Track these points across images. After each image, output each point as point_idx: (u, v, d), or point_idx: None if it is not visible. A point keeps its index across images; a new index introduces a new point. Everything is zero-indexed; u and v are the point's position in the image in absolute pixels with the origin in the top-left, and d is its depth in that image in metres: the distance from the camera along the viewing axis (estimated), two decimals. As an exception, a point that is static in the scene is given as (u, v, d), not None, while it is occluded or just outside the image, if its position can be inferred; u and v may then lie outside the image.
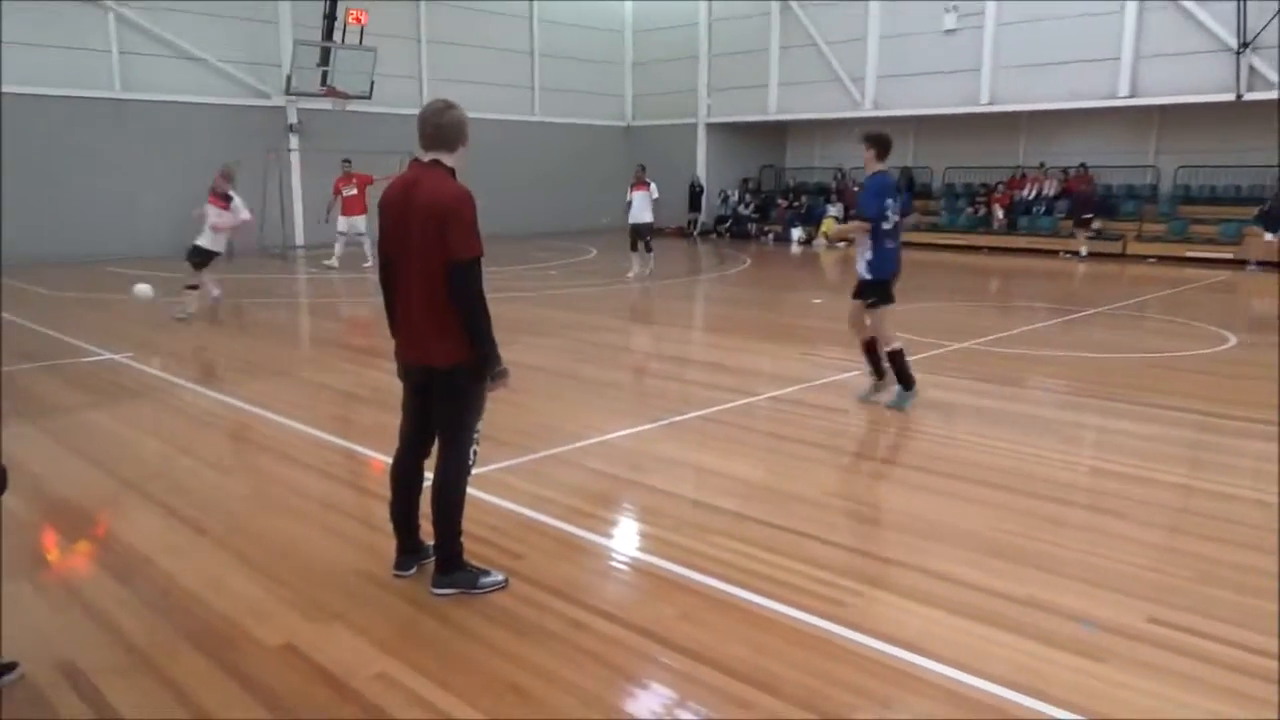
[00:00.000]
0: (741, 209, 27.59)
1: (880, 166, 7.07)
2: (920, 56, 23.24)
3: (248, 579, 4.17)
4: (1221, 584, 4.17)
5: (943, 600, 3.97)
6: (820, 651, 3.54)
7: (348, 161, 17.89)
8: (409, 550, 4.20)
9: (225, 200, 11.27)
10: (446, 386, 3.92)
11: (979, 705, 3.20)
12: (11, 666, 3.31)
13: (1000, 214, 23.38)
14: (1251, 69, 18.88)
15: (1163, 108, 21.28)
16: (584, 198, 27.05)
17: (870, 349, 7.43)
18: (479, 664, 3.45)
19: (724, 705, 3.20)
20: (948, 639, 3.63)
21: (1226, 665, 3.44)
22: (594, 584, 4.20)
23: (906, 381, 7.28)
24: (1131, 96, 20.42)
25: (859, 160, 7.52)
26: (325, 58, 20.60)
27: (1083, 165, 22.55)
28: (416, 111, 3.99)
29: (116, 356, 9.19)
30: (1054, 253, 21.43)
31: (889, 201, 7.04)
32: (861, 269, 7.23)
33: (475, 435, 4.04)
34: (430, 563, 4.12)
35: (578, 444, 6.31)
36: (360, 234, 17.33)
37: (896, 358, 7.24)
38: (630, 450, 6.32)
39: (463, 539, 4.06)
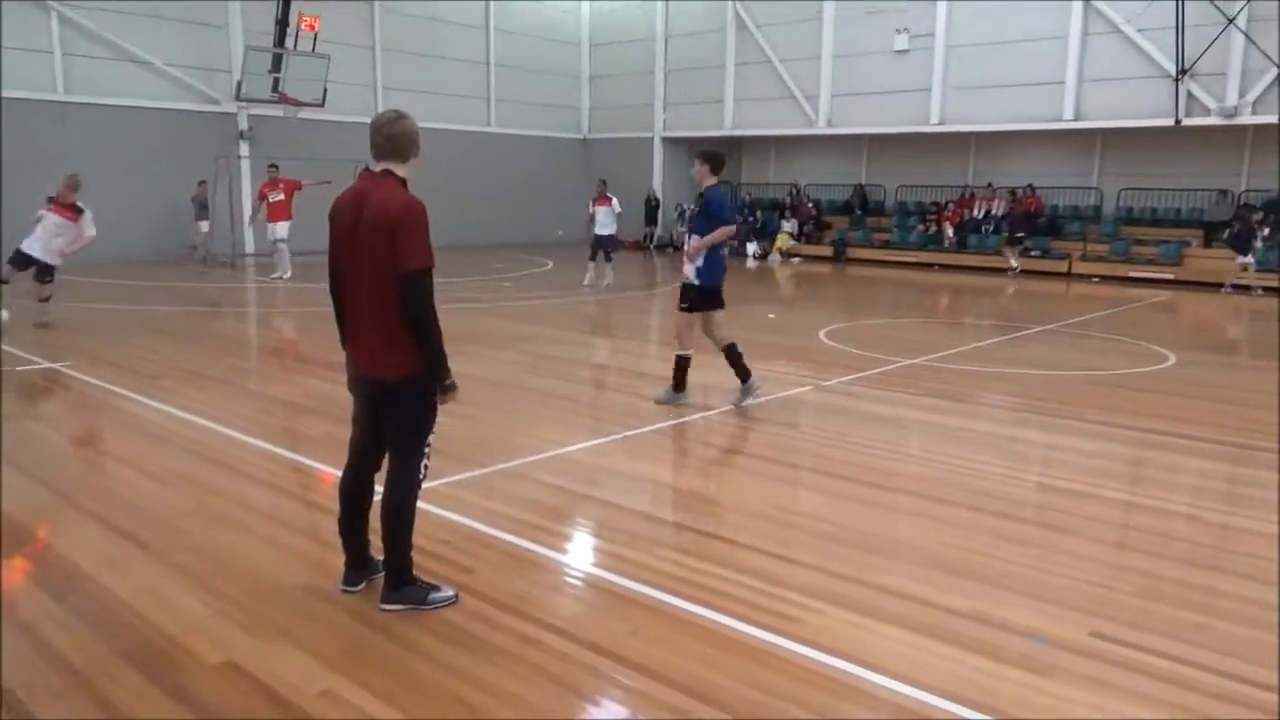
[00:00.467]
0: (696, 223, 27.69)
1: (713, 180, 7.51)
2: (873, 76, 23.66)
3: (189, 594, 4.07)
4: (1163, 599, 4.27)
5: (890, 615, 4.00)
6: (768, 666, 3.55)
7: (274, 167, 17.55)
8: (357, 565, 4.13)
9: (75, 212, 10.59)
10: (397, 399, 3.87)
11: (927, 720, 3.23)
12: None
13: (950, 232, 23.81)
14: (1190, 95, 19.50)
15: (1105, 131, 21.92)
16: (540, 210, 27.02)
17: (730, 353, 7.70)
18: (427, 681, 3.40)
19: (675, 722, 3.19)
20: (895, 653, 3.66)
21: (1168, 679, 3.51)
22: (545, 599, 4.16)
23: (679, 384, 7.74)
24: (1076, 120, 20.99)
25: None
26: (277, 64, 20.35)
27: (1030, 186, 23.10)
28: (369, 120, 3.95)
29: (55, 365, 8.94)
30: (1002, 271, 21.86)
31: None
32: (691, 275, 7.54)
33: (426, 449, 3.99)
34: (379, 578, 4.06)
35: (530, 458, 6.27)
36: (281, 240, 16.76)
37: (682, 362, 7.65)
38: (583, 464, 6.29)
39: (413, 554, 4.00)
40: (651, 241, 27.85)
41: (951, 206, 24.57)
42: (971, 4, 22.01)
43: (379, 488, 4.06)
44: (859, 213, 26.37)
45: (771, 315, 14.41)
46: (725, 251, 7.59)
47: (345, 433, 4.18)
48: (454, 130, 24.31)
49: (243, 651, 3.57)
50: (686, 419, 7.45)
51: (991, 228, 23.50)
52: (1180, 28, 18.95)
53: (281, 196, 16.81)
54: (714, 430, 7.34)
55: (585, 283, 16.59)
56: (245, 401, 7.95)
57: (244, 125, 21.36)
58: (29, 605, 3.95)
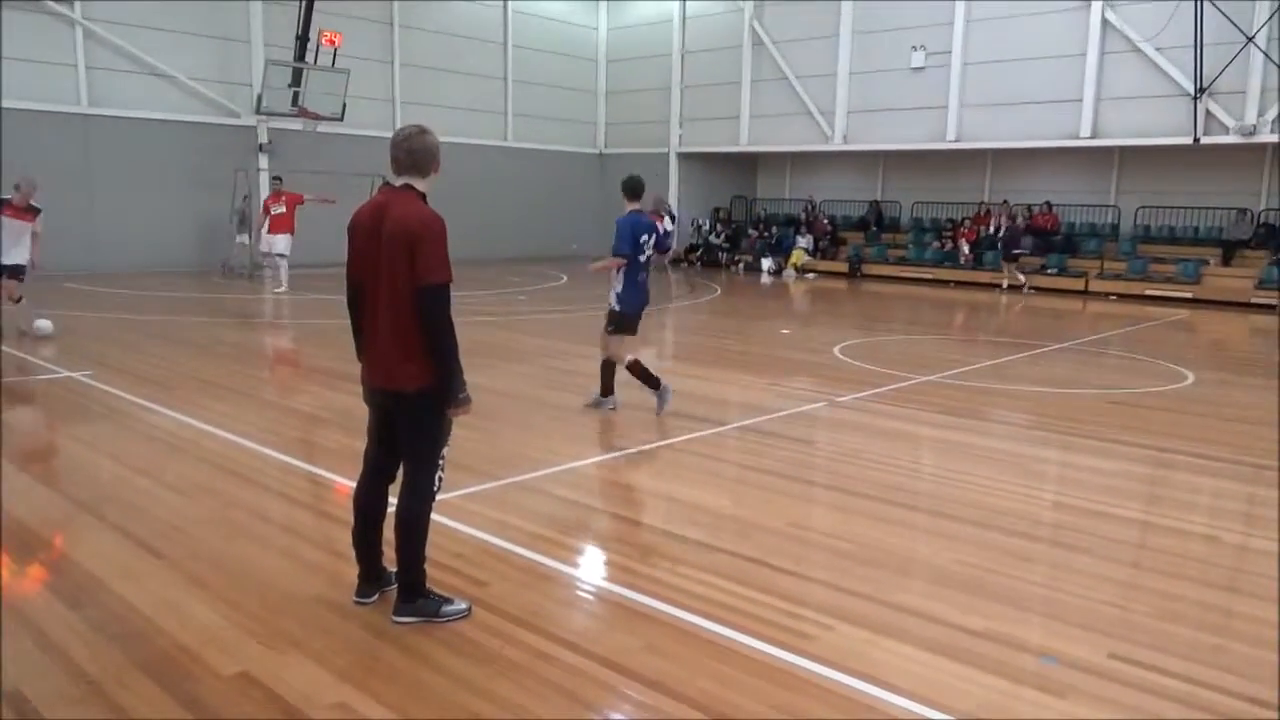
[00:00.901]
0: (713, 238, 27.79)
1: (635, 206, 7.72)
2: (889, 93, 23.67)
3: (205, 605, 4.09)
4: (1179, 620, 4.22)
5: (905, 633, 3.98)
6: (783, 684, 3.53)
7: (278, 179, 17.66)
8: (371, 577, 4.14)
9: (32, 213, 10.55)
10: (412, 411, 3.89)
11: (941, 740, 3.20)
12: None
13: (966, 249, 23.74)
14: (1208, 113, 19.42)
15: (1123, 149, 21.86)
16: (555, 224, 27.13)
17: (608, 368, 8.06)
18: (440, 694, 3.40)
19: (687, 738, 3.18)
20: (910, 672, 3.64)
21: (1184, 701, 3.48)
22: (558, 613, 4.16)
23: (653, 383, 7.92)
24: (1093, 137, 20.92)
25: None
26: (297, 78, 20.56)
27: (1047, 203, 23.04)
28: (388, 134, 4.00)
29: (75, 374, 9.02)
30: (1015, 289, 21.75)
31: (645, 238, 7.72)
32: (612, 300, 7.83)
33: (441, 461, 4.01)
34: (392, 590, 4.06)
35: (545, 471, 6.28)
36: (281, 254, 16.82)
37: (634, 367, 7.91)
38: (597, 478, 6.29)
39: (426, 566, 4.01)
40: (666, 256, 27.87)
41: (967, 223, 24.51)
42: (988, 21, 22.03)
43: (393, 500, 4.08)
44: (874, 229, 26.34)
45: (786, 330, 14.39)
46: (642, 277, 7.83)
47: (361, 444, 4.20)
48: (471, 144, 24.46)
49: (256, 662, 3.58)
50: (700, 434, 7.45)
51: (1028, 245, 23.28)
52: (1199, 46, 18.88)
53: (283, 210, 16.81)
54: (728, 446, 7.33)
55: None
56: (262, 412, 7.99)
57: (264, 138, 21.55)
58: (45, 613, 3.97)
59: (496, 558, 4.74)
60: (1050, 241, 22.86)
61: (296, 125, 21.07)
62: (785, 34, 25.45)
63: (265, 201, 17.26)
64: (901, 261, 24.82)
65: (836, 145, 24.96)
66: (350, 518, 4.14)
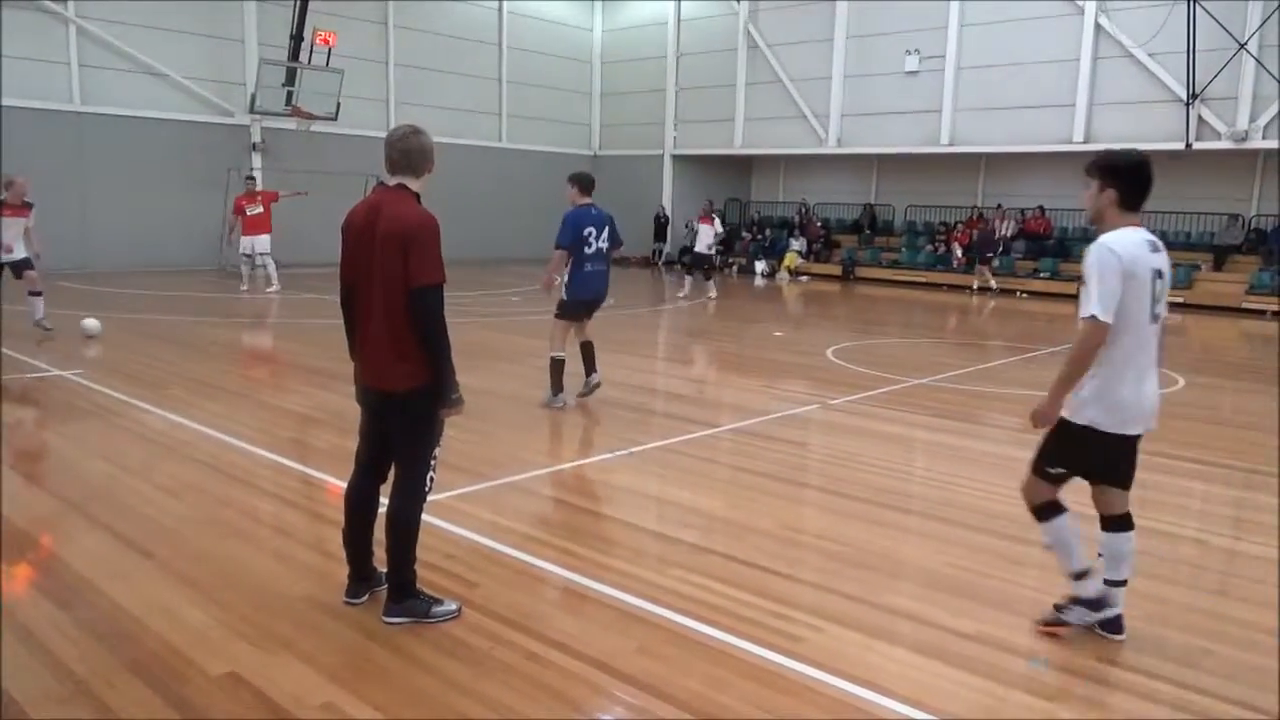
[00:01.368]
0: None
1: (586, 200, 8.03)
2: (883, 96, 23.73)
3: (194, 605, 4.07)
4: (1169, 624, 4.24)
5: (896, 636, 3.98)
6: (774, 686, 3.53)
7: (251, 179, 17.54)
8: (361, 577, 4.13)
9: (28, 208, 10.72)
10: (404, 411, 3.88)
11: (931, 742, 3.20)
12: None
13: (960, 252, 23.79)
14: (1200, 119, 19.50)
15: (1116, 154, 21.87)
16: (548, 225, 26.81)
17: (587, 349, 8.31)
18: (429, 695, 3.39)
19: (677, 740, 3.17)
20: (900, 675, 3.64)
21: (1174, 704, 3.48)
22: (549, 615, 4.15)
23: (557, 386, 8.17)
24: (1086, 142, 20.97)
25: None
26: (291, 78, 20.53)
27: (1040, 208, 23.11)
28: (382, 134, 4.00)
29: (65, 373, 8.98)
30: (1011, 292, 21.82)
31: (590, 231, 8.01)
32: (562, 289, 8.16)
33: (432, 461, 4.00)
34: (382, 591, 4.05)
35: (536, 472, 6.27)
36: (264, 253, 16.74)
37: (556, 364, 8.12)
38: (590, 480, 6.28)
39: (416, 567, 4.00)
40: (660, 258, 27.89)
41: (961, 227, 24.56)
42: (982, 26, 22.10)
43: (384, 500, 4.06)
44: (868, 232, 26.38)
45: (779, 333, 14.40)
46: (589, 268, 8.10)
47: (353, 444, 4.19)
48: (466, 145, 24.45)
49: (245, 663, 3.57)
50: (692, 436, 7.44)
51: (1001, 248, 23.46)
52: (1191, 52, 18.97)
53: (260, 210, 16.70)
54: (721, 448, 7.33)
55: (681, 295, 18.26)
56: (255, 412, 7.97)
57: (258, 138, 21.51)
58: (33, 613, 3.95)
59: (487, 558, 4.73)
60: (1043, 246, 22.94)
61: (290, 125, 21.03)
62: (780, 37, 25.50)
63: (238, 201, 16.99)
64: (894, 265, 24.87)
65: (830, 148, 25.01)
66: (341, 517, 4.12)
